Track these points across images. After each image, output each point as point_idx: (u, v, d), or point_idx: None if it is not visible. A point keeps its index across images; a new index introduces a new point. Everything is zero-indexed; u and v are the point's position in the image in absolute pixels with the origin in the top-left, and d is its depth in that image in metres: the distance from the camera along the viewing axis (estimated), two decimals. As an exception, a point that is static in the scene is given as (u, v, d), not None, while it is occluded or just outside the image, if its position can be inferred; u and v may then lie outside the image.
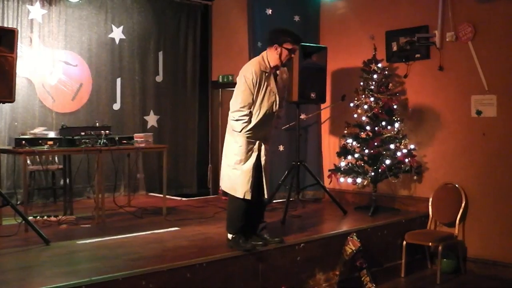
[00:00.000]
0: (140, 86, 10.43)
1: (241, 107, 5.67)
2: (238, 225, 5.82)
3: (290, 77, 7.70)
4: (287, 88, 6.26)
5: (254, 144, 5.78)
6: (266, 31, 6.52)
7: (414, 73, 8.21)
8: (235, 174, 5.78)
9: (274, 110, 5.80)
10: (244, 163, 5.75)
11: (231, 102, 5.80)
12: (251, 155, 5.77)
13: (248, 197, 5.73)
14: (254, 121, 5.71)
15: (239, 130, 5.69)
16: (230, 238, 5.83)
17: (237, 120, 5.69)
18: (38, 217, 7.22)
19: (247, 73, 5.69)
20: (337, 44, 8.95)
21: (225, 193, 6.07)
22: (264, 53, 5.86)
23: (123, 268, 4.99)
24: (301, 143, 8.44)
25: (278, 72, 5.87)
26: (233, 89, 5.88)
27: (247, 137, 5.72)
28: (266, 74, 5.74)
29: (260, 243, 5.84)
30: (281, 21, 8.71)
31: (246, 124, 5.67)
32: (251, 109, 5.69)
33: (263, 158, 5.83)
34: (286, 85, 6.12)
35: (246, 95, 5.66)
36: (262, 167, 5.85)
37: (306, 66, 7.92)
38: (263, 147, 5.83)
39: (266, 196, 5.93)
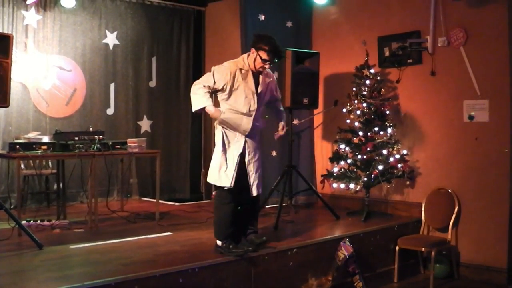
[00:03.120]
0: (133, 91, 10.45)
1: (199, 83, 5.79)
2: (227, 232, 5.80)
3: (281, 80, 7.75)
4: (275, 92, 6.21)
5: (236, 136, 5.80)
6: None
7: (407, 78, 8.25)
8: (217, 163, 5.81)
9: (252, 108, 5.80)
10: (226, 152, 5.79)
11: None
12: (233, 144, 5.80)
13: (228, 184, 5.72)
14: (229, 112, 5.75)
15: (193, 86, 5.79)
16: (220, 245, 5.80)
17: (194, 89, 5.79)
18: (32, 221, 7.21)
19: (222, 65, 5.85)
20: (330, 50, 8.99)
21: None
22: (245, 54, 5.92)
23: (115, 272, 5.00)
24: (294, 149, 8.47)
25: (260, 74, 5.90)
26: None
27: (223, 125, 5.79)
28: (243, 72, 5.78)
29: (250, 248, 5.78)
30: (274, 27, 8.75)
31: (199, 86, 5.76)
32: (211, 91, 5.76)
33: (248, 156, 5.84)
34: (272, 89, 6.09)
35: (208, 77, 5.77)
36: (247, 163, 5.85)
37: (299, 72, 7.95)
38: (248, 143, 5.83)
39: (254, 194, 5.89)
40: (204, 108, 5.68)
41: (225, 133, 5.81)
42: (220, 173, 5.77)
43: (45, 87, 9.29)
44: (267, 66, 5.82)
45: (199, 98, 5.71)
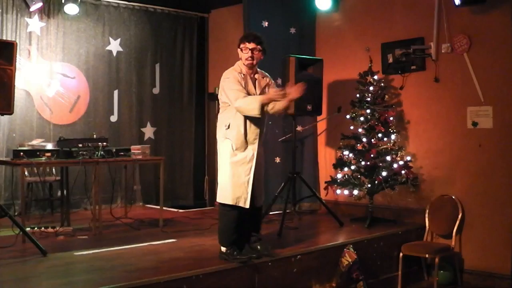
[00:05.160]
0: (137, 98, 10.47)
1: (235, 98, 5.66)
2: (231, 238, 5.79)
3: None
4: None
5: (246, 147, 5.77)
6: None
7: (410, 85, 8.25)
8: (226, 179, 5.77)
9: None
10: (239, 166, 5.73)
11: (219, 115, 5.83)
12: (245, 158, 5.75)
13: (242, 204, 5.71)
14: (238, 121, 5.72)
15: (236, 106, 5.66)
16: (224, 251, 5.80)
17: (240, 103, 5.64)
18: (36, 228, 7.20)
19: (228, 75, 5.81)
20: (333, 56, 8.99)
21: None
22: (238, 61, 5.95)
23: (119, 279, 5.00)
24: (298, 155, 8.45)
25: (256, 76, 5.93)
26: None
27: (237, 140, 5.73)
28: (243, 76, 5.80)
29: (254, 255, 5.78)
30: (277, 33, 8.77)
31: (237, 100, 5.65)
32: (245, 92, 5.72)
33: (256, 164, 5.80)
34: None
35: (239, 87, 5.70)
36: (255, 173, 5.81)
37: (302, 78, 7.87)
38: (256, 151, 5.80)
39: (259, 205, 5.90)
40: (262, 106, 5.61)
41: (233, 146, 5.74)
42: (235, 193, 5.72)
43: (48, 94, 9.32)
44: (251, 54, 5.79)
45: (249, 105, 5.63)
